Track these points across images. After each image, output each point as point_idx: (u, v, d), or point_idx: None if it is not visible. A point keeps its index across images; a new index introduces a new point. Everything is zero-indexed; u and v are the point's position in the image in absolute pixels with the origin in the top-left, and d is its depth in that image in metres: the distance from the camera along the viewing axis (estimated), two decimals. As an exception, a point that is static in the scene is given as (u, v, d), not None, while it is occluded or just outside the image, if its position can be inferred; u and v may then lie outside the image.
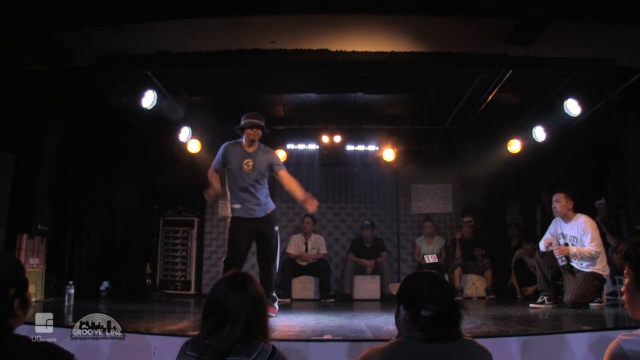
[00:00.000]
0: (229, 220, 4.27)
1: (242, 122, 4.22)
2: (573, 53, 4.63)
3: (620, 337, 1.39)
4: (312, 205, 4.02)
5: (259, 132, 4.21)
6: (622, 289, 1.52)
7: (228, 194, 4.25)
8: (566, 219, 4.67)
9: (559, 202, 4.65)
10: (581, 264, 4.54)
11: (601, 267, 4.47)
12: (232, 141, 4.32)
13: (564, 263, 4.58)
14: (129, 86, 5.15)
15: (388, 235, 7.46)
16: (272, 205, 4.31)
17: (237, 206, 4.16)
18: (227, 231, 4.28)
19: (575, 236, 4.58)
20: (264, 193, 4.24)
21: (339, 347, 2.55)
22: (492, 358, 1.55)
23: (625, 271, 1.49)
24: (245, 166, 4.15)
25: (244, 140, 4.25)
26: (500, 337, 2.65)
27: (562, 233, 4.69)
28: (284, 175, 4.20)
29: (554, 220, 4.82)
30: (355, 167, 7.67)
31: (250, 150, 4.23)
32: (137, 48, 4.65)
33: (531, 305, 4.72)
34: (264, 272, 4.20)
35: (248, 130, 4.17)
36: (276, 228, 4.29)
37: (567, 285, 4.63)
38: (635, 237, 1.53)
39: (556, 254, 4.59)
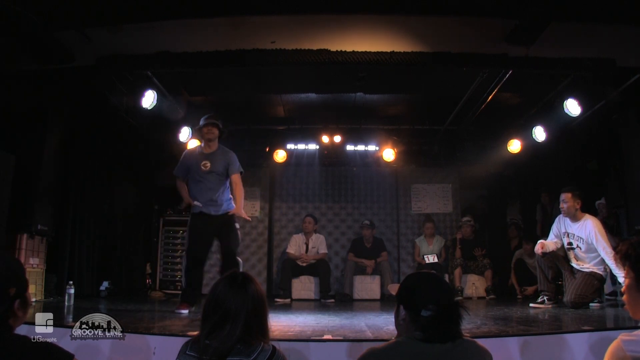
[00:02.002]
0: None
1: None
2: (573, 53, 4.63)
3: (621, 338, 1.38)
4: (243, 216, 4.26)
5: (214, 129, 4.35)
6: (622, 289, 1.52)
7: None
8: (574, 218, 4.59)
9: (566, 202, 4.57)
10: (582, 265, 4.54)
11: (602, 268, 4.46)
12: (192, 147, 4.51)
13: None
14: (129, 86, 5.15)
15: (388, 235, 7.46)
16: (232, 207, 4.35)
17: (197, 203, 4.28)
18: (187, 228, 4.37)
19: (581, 237, 4.51)
20: (223, 194, 4.30)
21: (339, 347, 2.55)
22: (492, 358, 1.55)
23: (625, 271, 1.48)
24: (202, 167, 4.28)
25: (203, 143, 4.42)
26: (500, 337, 2.65)
27: (566, 232, 4.63)
28: (234, 180, 4.31)
29: (557, 219, 4.75)
30: (355, 167, 7.67)
31: (208, 151, 4.36)
32: (137, 48, 4.66)
33: (531, 305, 4.71)
34: (227, 268, 4.15)
35: (203, 130, 4.34)
36: (237, 225, 4.32)
37: (567, 285, 4.63)
38: (635, 237, 1.52)
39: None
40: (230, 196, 4.38)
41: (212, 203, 4.24)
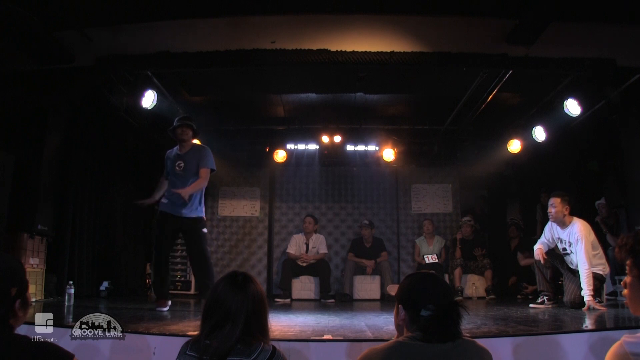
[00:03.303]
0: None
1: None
2: (573, 53, 4.64)
3: (624, 339, 1.36)
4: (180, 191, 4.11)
5: (188, 130, 4.38)
6: (622, 283, 1.49)
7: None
8: (562, 224, 4.51)
9: (555, 207, 4.49)
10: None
11: (601, 268, 4.45)
12: (171, 148, 4.52)
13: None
14: (129, 86, 5.16)
15: (388, 235, 7.46)
16: (202, 212, 4.38)
17: (165, 201, 4.34)
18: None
19: (571, 242, 4.46)
20: (195, 197, 4.29)
21: (339, 347, 2.55)
22: (492, 358, 1.55)
23: (628, 266, 1.44)
24: (177, 167, 4.32)
25: (178, 144, 4.46)
26: (500, 337, 2.65)
27: (559, 238, 4.61)
28: (200, 174, 4.29)
29: (548, 225, 4.69)
30: (355, 167, 7.68)
31: (183, 152, 4.39)
32: (137, 48, 4.66)
33: (531, 305, 4.71)
34: (198, 270, 4.37)
35: (177, 130, 4.36)
36: (204, 230, 4.38)
37: (567, 285, 4.62)
38: (639, 231, 1.47)
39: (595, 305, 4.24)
40: (201, 203, 4.37)
41: (181, 204, 4.21)
